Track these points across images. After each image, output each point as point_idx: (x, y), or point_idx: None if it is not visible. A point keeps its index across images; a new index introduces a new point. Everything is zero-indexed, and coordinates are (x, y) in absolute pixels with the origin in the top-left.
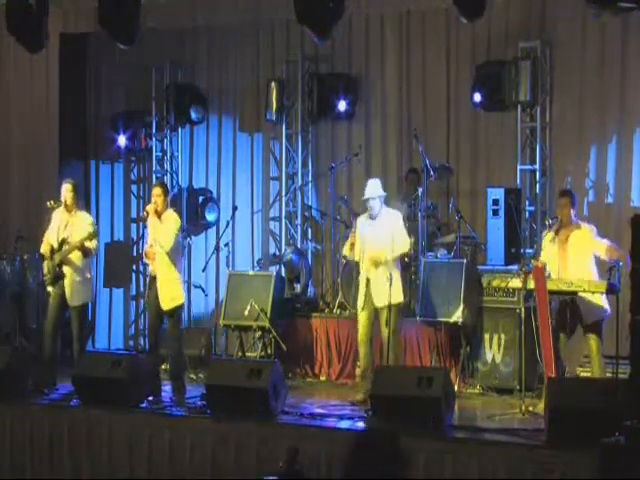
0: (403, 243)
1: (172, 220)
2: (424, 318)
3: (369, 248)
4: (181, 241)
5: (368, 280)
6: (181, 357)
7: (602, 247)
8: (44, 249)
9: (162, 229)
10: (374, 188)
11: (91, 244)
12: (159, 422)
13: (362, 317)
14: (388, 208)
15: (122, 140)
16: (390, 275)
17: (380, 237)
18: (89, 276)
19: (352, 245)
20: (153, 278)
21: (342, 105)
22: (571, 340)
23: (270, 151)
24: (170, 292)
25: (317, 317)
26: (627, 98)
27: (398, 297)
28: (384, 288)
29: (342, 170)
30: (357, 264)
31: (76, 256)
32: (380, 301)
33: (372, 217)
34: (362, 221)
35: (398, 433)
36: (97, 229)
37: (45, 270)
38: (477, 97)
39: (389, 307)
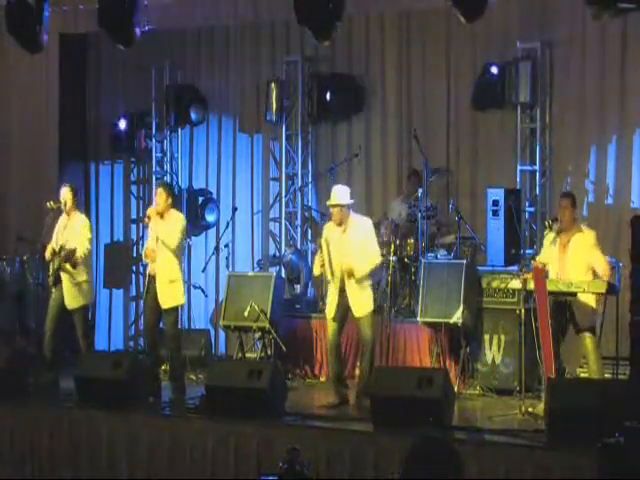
0: (374, 255)
1: (176, 219)
2: (424, 318)
3: (340, 258)
4: (184, 242)
5: (342, 290)
6: (180, 357)
7: (600, 266)
8: (47, 253)
9: (166, 228)
10: (343, 195)
11: (78, 252)
12: (159, 422)
13: (332, 326)
14: (357, 215)
15: (123, 124)
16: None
17: (349, 246)
18: (85, 279)
19: (321, 265)
20: (152, 277)
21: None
22: (571, 341)
23: (270, 152)
24: (171, 291)
25: (317, 318)
26: (627, 98)
27: (371, 305)
28: (360, 298)
29: (342, 171)
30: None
31: (68, 265)
32: (358, 311)
33: (339, 224)
34: (330, 229)
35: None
36: (91, 233)
37: (50, 271)
38: (493, 74)
39: (364, 316)
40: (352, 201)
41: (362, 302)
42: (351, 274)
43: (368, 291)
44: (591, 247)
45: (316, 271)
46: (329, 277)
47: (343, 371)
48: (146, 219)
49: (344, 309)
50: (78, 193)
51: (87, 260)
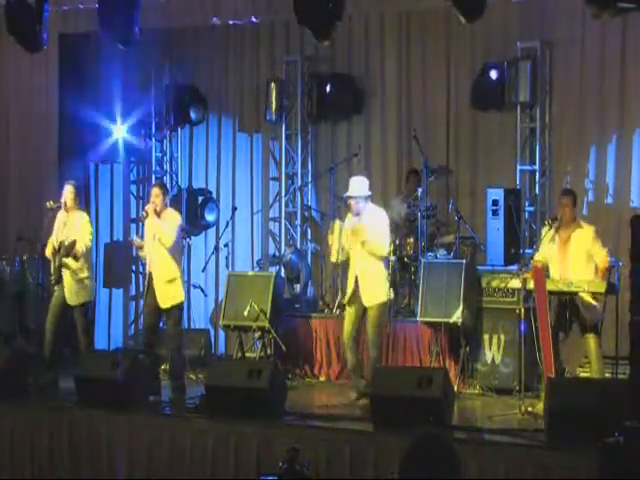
0: (383, 245)
1: (172, 217)
2: (424, 318)
3: (356, 244)
4: (180, 240)
5: (356, 277)
6: (181, 357)
7: (599, 255)
8: (48, 251)
9: (162, 226)
10: (359, 187)
11: (78, 246)
12: (159, 422)
13: (349, 313)
14: (374, 206)
15: (122, 124)
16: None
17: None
18: (87, 275)
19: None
20: (151, 278)
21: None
22: (571, 340)
23: (270, 151)
24: (169, 291)
25: (317, 317)
26: (627, 98)
27: (383, 296)
28: (371, 286)
29: (342, 170)
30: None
31: (70, 260)
32: (367, 300)
33: (355, 214)
34: (349, 219)
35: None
36: (92, 228)
37: (51, 270)
38: (493, 74)
39: (373, 306)
40: (369, 193)
41: (372, 290)
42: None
43: (380, 281)
44: (591, 241)
45: (333, 258)
46: (334, 259)
47: (360, 363)
48: (144, 213)
49: (360, 298)
50: (80, 192)
51: (88, 257)
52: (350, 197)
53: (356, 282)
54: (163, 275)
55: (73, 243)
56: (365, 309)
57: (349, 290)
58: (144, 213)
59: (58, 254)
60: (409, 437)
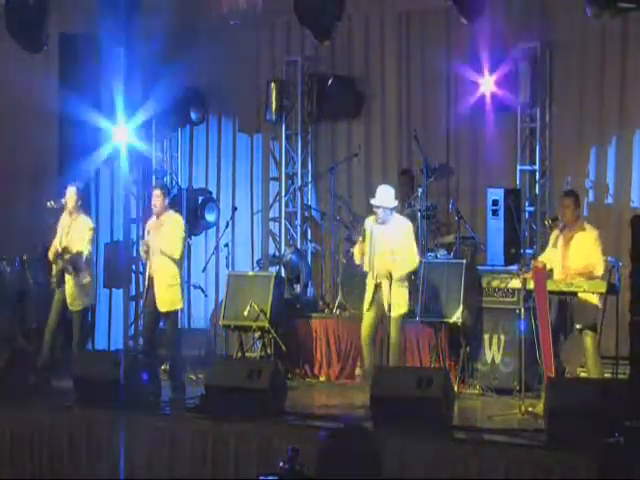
0: (412, 260)
1: (176, 224)
2: (424, 318)
3: (378, 255)
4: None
5: (379, 284)
6: (180, 357)
7: (594, 260)
8: (51, 254)
9: (166, 236)
10: (386, 198)
11: (82, 252)
12: (159, 422)
13: (368, 318)
14: (399, 216)
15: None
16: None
17: (389, 242)
18: (88, 280)
19: (362, 254)
20: (152, 278)
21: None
22: (571, 340)
23: (270, 151)
24: (169, 296)
25: (317, 317)
26: (627, 98)
27: (404, 307)
28: (395, 298)
29: (342, 170)
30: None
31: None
32: (391, 311)
33: (382, 223)
34: (371, 223)
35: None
36: (94, 234)
37: (53, 272)
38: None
39: (397, 316)
40: (396, 203)
41: (395, 302)
42: (389, 276)
43: (403, 292)
44: (592, 244)
45: (358, 260)
46: (367, 268)
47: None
48: (144, 247)
49: (379, 304)
50: (83, 195)
51: (89, 263)
52: (380, 207)
53: (377, 290)
54: (164, 280)
55: (79, 256)
56: (384, 312)
57: (370, 296)
58: (144, 247)
59: (62, 258)
60: (409, 437)
